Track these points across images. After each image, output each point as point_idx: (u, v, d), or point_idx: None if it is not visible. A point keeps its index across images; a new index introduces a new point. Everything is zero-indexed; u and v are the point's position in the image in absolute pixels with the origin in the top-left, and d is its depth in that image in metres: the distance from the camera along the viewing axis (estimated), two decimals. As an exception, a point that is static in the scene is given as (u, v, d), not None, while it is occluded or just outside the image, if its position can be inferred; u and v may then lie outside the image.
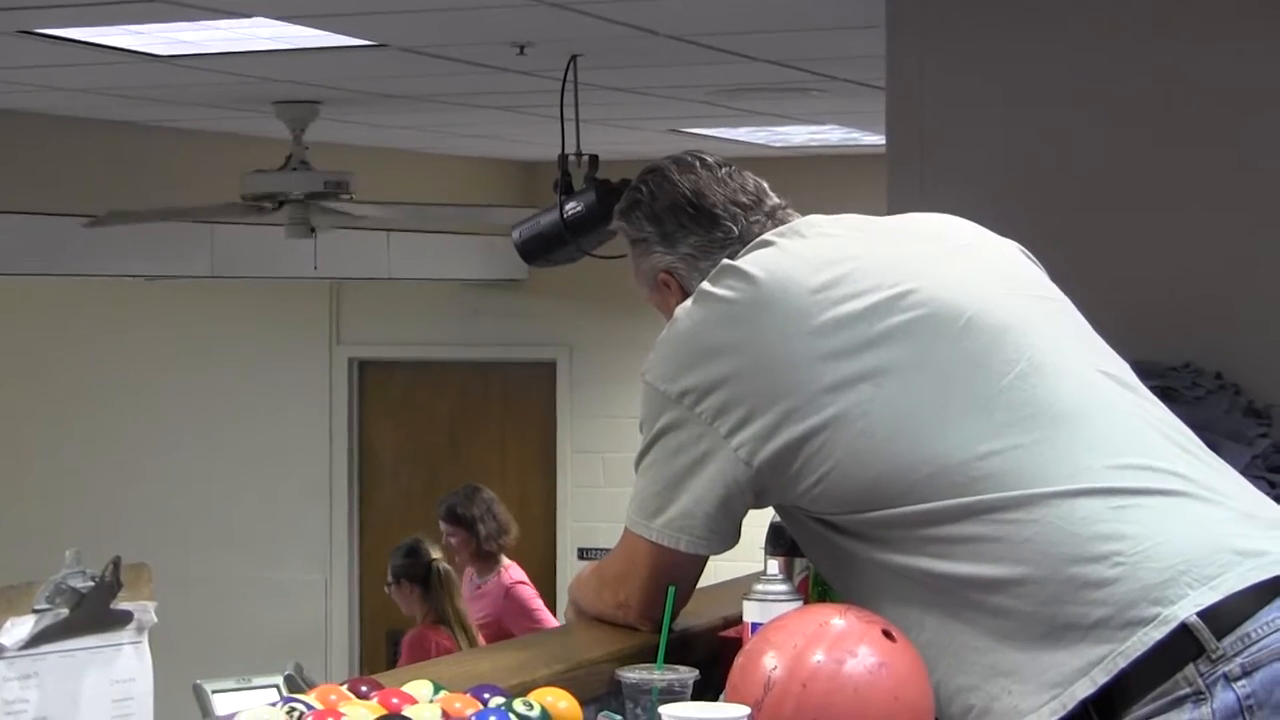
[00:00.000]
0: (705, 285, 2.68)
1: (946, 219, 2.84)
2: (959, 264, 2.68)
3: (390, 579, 8.04)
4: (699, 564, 2.75)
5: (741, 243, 2.78)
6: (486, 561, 8.25)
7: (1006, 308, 2.61)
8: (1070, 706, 2.38)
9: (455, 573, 8.04)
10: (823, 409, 2.52)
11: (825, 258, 2.64)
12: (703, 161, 2.87)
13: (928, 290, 2.59)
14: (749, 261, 2.68)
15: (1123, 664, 2.36)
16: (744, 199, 2.83)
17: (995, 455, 2.47)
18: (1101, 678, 2.37)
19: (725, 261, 2.70)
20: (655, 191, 2.85)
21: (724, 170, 2.86)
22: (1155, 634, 2.36)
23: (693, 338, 2.65)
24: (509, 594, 8.21)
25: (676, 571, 2.70)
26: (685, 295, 2.78)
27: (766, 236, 2.76)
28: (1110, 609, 2.38)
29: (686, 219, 2.83)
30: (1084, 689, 2.38)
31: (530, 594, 8.27)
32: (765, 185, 2.89)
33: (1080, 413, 2.52)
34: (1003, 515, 2.45)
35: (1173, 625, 2.36)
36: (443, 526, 8.29)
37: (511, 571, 8.30)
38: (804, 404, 2.53)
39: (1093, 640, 2.38)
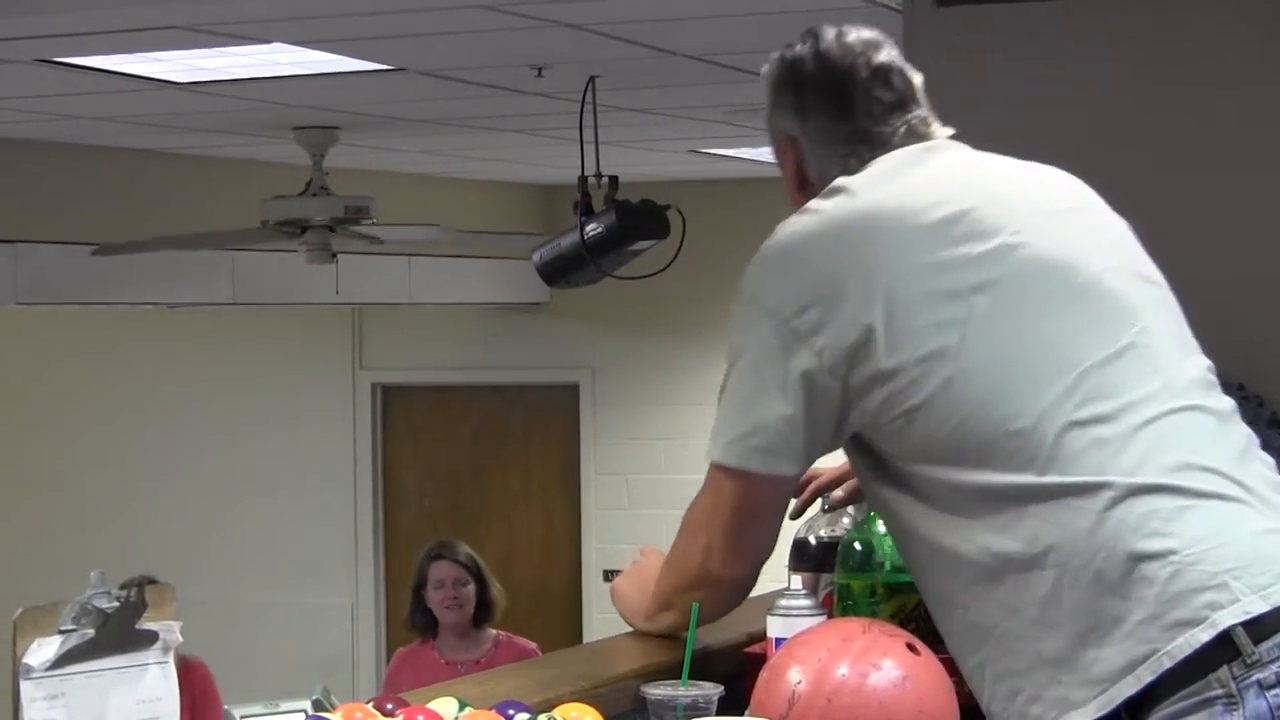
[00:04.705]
0: (817, 201, 2.60)
1: (1065, 177, 2.76)
2: (1079, 226, 2.63)
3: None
4: (778, 493, 2.64)
5: (867, 144, 2.68)
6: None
7: (1120, 282, 2.58)
8: (1115, 703, 2.36)
9: None
10: (923, 344, 2.46)
11: (944, 192, 2.58)
12: (860, 50, 2.72)
13: (1043, 245, 2.54)
14: (865, 184, 2.60)
15: (1168, 664, 2.34)
16: (887, 98, 2.71)
17: (1070, 431, 2.43)
18: (1147, 677, 2.34)
19: (840, 180, 2.61)
20: (807, 60, 2.72)
21: (881, 58, 2.72)
22: (1202, 636, 2.33)
23: (798, 251, 2.57)
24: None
25: (756, 503, 2.62)
26: (799, 169, 2.72)
27: (892, 157, 2.66)
28: (1158, 607, 2.36)
29: (825, 99, 2.71)
30: (1129, 687, 2.35)
31: None
32: (917, 87, 2.76)
33: (1160, 406, 2.48)
34: (1067, 501, 2.41)
35: (1219, 630, 2.33)
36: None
37: None
38: (905, 337, 2.47)
39: (1136, 639, 2.36)
